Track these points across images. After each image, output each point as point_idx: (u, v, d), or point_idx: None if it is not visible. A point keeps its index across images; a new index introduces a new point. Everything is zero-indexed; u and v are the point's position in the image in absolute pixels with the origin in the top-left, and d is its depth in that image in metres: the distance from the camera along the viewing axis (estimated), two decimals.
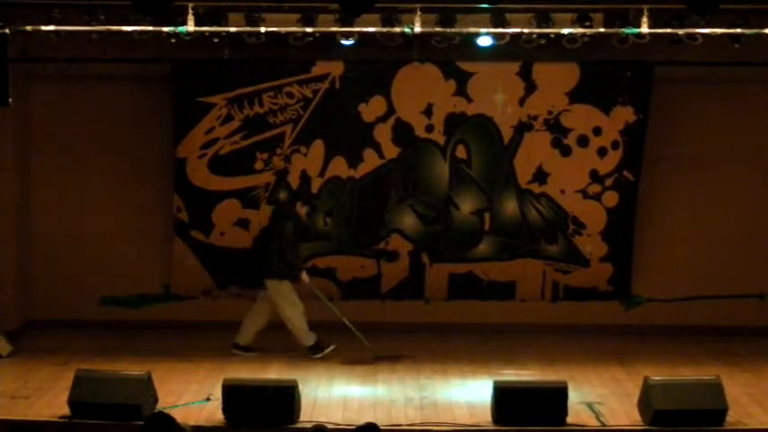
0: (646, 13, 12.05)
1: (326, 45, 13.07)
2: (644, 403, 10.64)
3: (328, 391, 11.76)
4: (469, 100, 13.92)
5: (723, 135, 14.22)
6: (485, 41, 12.88)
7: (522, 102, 13.94)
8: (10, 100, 11.49)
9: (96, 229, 14.27)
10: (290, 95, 13.94)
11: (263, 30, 12.45)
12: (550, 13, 12.44)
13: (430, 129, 14.00)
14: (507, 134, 14.01)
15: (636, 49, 12.70)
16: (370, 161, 14.02)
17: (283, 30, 12.54)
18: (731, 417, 10.63)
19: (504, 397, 10.59)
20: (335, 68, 13.86)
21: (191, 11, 12.01)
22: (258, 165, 14.02)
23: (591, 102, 13.92)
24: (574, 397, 10.99)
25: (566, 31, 12.48)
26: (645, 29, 12.09)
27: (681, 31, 12.35)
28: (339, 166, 14.03)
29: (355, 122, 13.94)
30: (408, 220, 14.13)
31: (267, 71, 13.93)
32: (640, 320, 14.38)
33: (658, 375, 10.99)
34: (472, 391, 11.75)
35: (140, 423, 9.68)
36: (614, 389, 11.86)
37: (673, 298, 14.39)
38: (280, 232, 13.17)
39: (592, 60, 13.72)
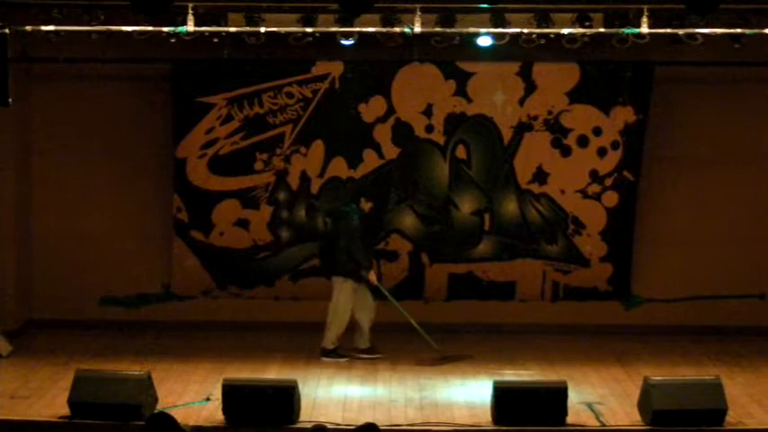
0: (646, 13, 12.04)
1: (326, 45, 13.06)
2: (644, 403, 10.64)
3: (328, 391, 11.76)
4: (469, 100, 13.92)
5: (723, 135, 14.22)
6: (485, 41, 12.88)
7: (521, 102, 13.94)
8: (10, 100, 11.49)
9: (96, 229, 14.28)
10: (290, 95, 13.94)
11: (263, 30, 12.45)
12: (550, 13, 12.44)
13: (430, 129, 14.00)
14: (507, 134, 14.01)
15: (636, 49, 12.70)
16: (370, 161, 14.02)
17: (283, 30, 12.54)
18: (731, 417, 10.62)
19: (504, 397, 10.59)
20: (335, 68, 13.86)
21: (191, 11, 12.00)
22: (258, 165, 14.02)
23: (591, 102, 13.92)
24: (574, 397, 10.99)
25: (566, 31, 12.47)
26: (645, 29, 12.08)
27: (681, 31, 12.35)
28: (339, 167, 14.03)
29: (355, 122, 13.94)
30: (408, 220, 14.12)
31: (267, 71, 13.93)
32: (640, 320, 14.37)
33: (658, 375, 10.99)
34: (472, 391, 11.75)
35: (140, 423, 9.69)
36: (614, 389, 11.85)
37: (673, 298, 14.39)
38: (345, 230, 13.06)
39: (592, 60, 13.73)
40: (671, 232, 14.34)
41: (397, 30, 12.42)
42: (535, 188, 14.09)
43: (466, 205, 14.14)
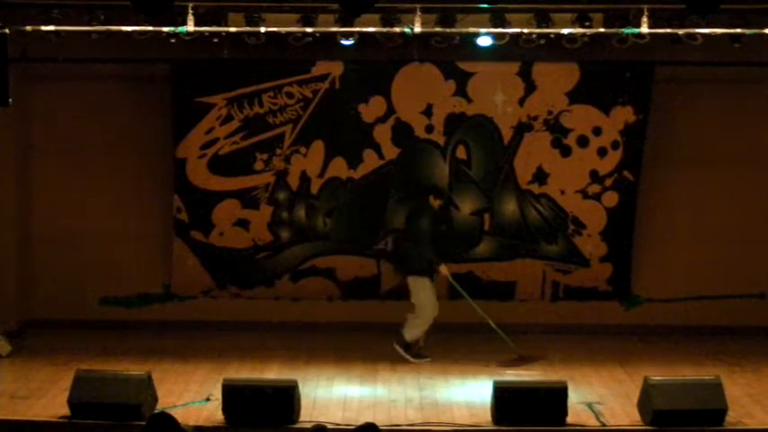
0: (646, 13, 12.05)
1: (326, 45, 13.07)
2: (644, 403, 10.64)
3: (328, 391, 11.76)
4: (469, 100, 13.92)
5: (723, 135, 14.21)
6: (485, 41, 12.88)
7: (521, 102, 13.94)
8: (10, 100, 11.51)
9: (96, 230, 14.27)
10: (290, 95, 13.94)
11: (263, 30, 12.45)
12: (550, 13, 12.44)
13: (430, 129, 14.00)
14: (507, 134, 14.01)
15: (636, 49, 12.70)
16: (370, 161, 14.02)
17: (283, 30, 12.54)
18: (731, 417, 10.63)
19: (504, 397, 10.59)
20: (335, 68, 13.86)
21: (191, 11, 12.01)
22: (258, 165, 14.02)
23: (591, 102, 13.92)
24: (574, 397, 11.00)
25: (566, 31, 12.47)
26: (645, 29, 12.09)
27: (681, 31, 12.35)
28: (339, 167, 14.02)
29: (355, 123, 13.94)
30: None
31: (267, 71, 13.93)
32: (640, 320, 14.38)
33: (658, 375, 10.98)
34: (472, 391, 11.75)
35: (140, 423, 9.69)
36: (614, 389, 11.86)
37: (673, 298, 14.39)
38: (416, 228, 13.10)
39: (592, 60, 13.72)
40: (671, 232, 14.34)
41: (397, 30, 12.42)
42: (535, 188, 14.09)
43: (466, 205, 14.14)
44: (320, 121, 13.95)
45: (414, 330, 12.99)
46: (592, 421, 10.73)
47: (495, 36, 12.67)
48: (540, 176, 14.08)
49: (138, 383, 10.56)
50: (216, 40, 12.87)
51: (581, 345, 13.68)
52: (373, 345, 13.18)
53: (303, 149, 14.01)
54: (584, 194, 14.10)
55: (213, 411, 10.79)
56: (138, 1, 10.72)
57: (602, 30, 12.45)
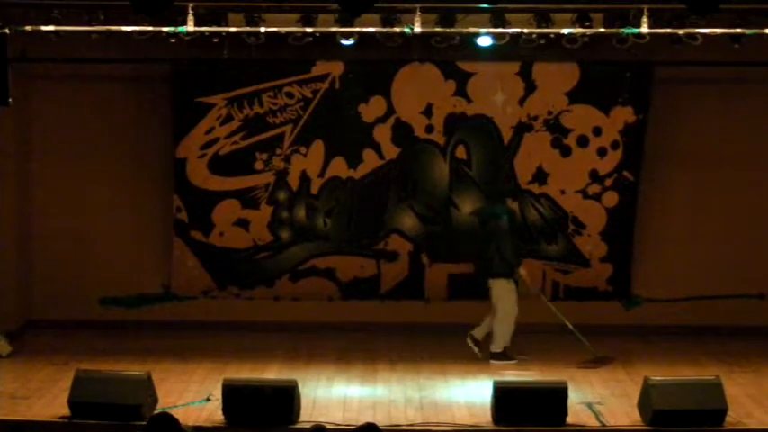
0: (646, 13, 12.04)
1: (326, 45, 13.07)
2: (644, 403, 10.64)
3: (328, 391, 11.76)
4: (469, 100, 13.92)
5: (723, 135, 14.22)
6: (485, 41, 12.88)
7: (521, 102, 13.94)
8: (10, 100, 11.51)
9: (96, 230, 14.28)
10: (290, 95, 13.93)
11: (263, 30, 12.45)
12: (550, 13, 12.44)
13: (430, 129, 14.00)
14: (507, 134, 14.01)
15: (636, 49, 12.69)
16: (370, 161, 14.02)
17: (283, 30, 12.54)
18: (731, 417, 10.62)
19: (504, 397, 10.59)
20: (335, 68, 13.86)
21: (191, 11, 12.00)
22: (258, 165, 14.02)
23: (591, 102, 13.92)
24: (574, 397, 11.00)
25: (566, 31, 12.47)
26: (645, 29, 12.08)
27: (681, 31, 12.35)
28: (339, 167, 14.02)
29: (355, 123, 13.94)
30: (408, 221, 14.12)
31: (267, 71, 13.93)
32: (640, 320, 14.37)
33: (658, 375, 10.98)
34: (472, 391, 11.75)
35: (140, 423, 9.68)
36: (614, 389, 11.85)
37: (673, 298, 14.39)
38: (496, 231, 13.11)
39: (592, 60, 13.72)
40: (671, 232, 14.34)
41: (397, 30, 12.41)
42: (535, 188, 14.09)
43: (466, 205, 14.13)
44: (320, 121, 13.96)
45: (501, 339, 13.00)
46: (592, 421, 10.72)
47: (495, 36, 12.67)
48: (540, 176, 14.07)
49: (138, 384, 10.56)
50: (216, 41, 12.87)
51: (581, 345, 13.67)
52: (374, 345, 13.17)
53: (303, 149, 14.01)
54: (584, 194, 14.10)
55: (213, 411, 10.78)
56: (137, 1, 10.71)
57: (602, 30, 12.45)
